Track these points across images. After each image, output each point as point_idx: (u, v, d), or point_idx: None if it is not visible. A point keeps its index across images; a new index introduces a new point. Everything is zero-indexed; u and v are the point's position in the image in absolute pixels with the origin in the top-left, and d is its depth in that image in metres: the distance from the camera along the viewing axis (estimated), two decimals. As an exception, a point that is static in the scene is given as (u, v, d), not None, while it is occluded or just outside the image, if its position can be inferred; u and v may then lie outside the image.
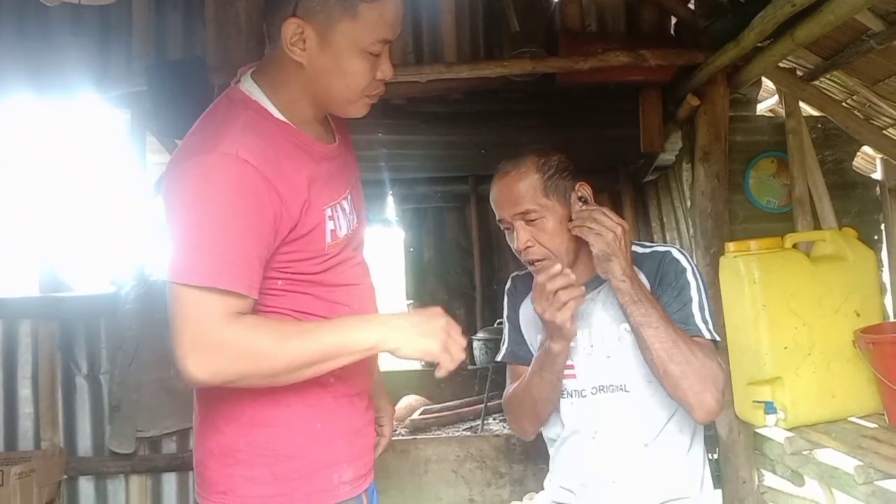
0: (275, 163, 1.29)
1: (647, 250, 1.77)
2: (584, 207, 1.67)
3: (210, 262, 1.23)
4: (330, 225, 1.37)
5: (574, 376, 1.76)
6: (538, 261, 1.69)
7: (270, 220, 1.28)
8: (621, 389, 1.71)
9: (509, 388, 1.89)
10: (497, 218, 1.76)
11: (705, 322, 1.66)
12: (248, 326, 1.26)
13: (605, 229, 1.61)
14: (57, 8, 2.50)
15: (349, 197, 1.46)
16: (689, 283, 1.68)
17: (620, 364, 1.71)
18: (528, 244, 1.68)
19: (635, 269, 1.67)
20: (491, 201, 1.76)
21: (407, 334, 1.35)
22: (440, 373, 1.39)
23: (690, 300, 1.67)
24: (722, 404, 1.62)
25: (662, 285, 1.70)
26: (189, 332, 1.23)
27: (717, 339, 1.67)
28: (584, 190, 1.71)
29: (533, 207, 1.67)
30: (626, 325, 1.68)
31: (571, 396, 1.77)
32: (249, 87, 1.38)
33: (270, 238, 1.29)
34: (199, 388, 1.45)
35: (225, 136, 1.29)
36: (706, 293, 1.70)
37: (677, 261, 1.71)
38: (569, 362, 1.76)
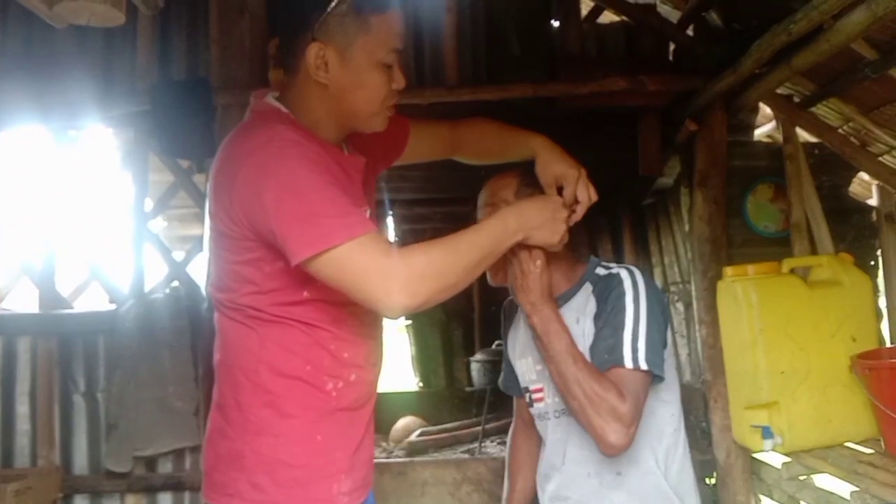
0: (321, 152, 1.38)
1: (606, 272, 1.73)
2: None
3: (337, 220, 1.29)
4: None
5: (542, 399, 1.77)
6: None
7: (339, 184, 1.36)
8: None
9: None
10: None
11: (634, 350, 1.58)
12: (417, 252, 1.34)
13: (516, 264, 1.62)
14: (63, 28, 2.52)
15: (369, 213, 1.51)
16: (624, 308, 1.62)
17: None
18: None
19: (589, 296, 1.68)
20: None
21: (540, 222, 1.51)
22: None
23: (622, 326, 1.60)
24: (632, 437, 1.55)
25: (602, 311, 1.65)
26: (372, 275, 1.29)
27: (644, 367, 1.58)
28: None
29: (506, 200, 1.70)
30: (581, 347, 1.64)
31: (543, 419, 1.78)
32: (276, 104, 1.45)
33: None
34: (215, 397, 1.51)
35: (274, 129, 1.37)
36: (649, 318, 1.61)
37: (621, 283, 1.66)
38: (539, 384, 1.77)
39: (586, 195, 1.66)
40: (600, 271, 1.74)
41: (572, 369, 1.56)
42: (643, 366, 1.56)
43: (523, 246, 1.58)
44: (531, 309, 1.61)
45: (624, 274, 1.67)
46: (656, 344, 1.61)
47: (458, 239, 1.39)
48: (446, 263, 1.34)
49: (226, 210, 1.37)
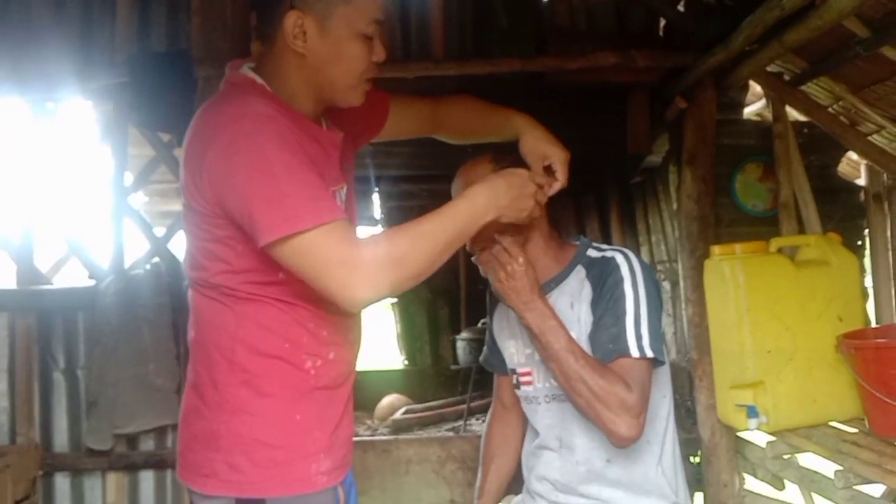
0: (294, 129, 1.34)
1: (599, 255, 1.71)
2: (498, 238, 1.61)
3: (306, 204, 1.26)
4: None
5: (531, 383, 1.75)
6: (482, 250, 1.66)
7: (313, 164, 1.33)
8: None
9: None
10: None
11: (638, 337, 1.57)
12: (381, 241, 1.32)
13: (498, 267, 1.58)
14: (39, -3, 2.48)
15: (345, 190, 1.48)
16: (623, 295, 1.60)
17: None
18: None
19: (583, 280, 1.65)
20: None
21: (511, 197, 1.46)
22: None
23: (624, 313, 1.59)
24: (642, 426, 1.54)
25: (600, 297, 1.63)
26: (334, 266, 1.26)
27: (650, 355, 1.58)
28: None
29: None
30: (574, 334, 1.63)
31: (531, 402, 1.76)
32: (251, 75, 1.41)
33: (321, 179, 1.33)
34: (189, 376, 1.47)
35: (248, 103, 1.34)
36: (649, 303, 1.61)
37: (617, 268, 1.64)
38: (527, 368, 1.74)
39: (565, 178, 1.64)
40: (592, 253, 1.71)
41: (574, 367, 1.53)
42: (648, 353, 1.57)
43: (502, 249, 1.54)
44: (524, 308, 1.58)
45: (620, 258, 1.64)
46: (657, 329, 1.61)
47: (426, 223, 1.35)
48: (412, 251, 1.30)
49: (196, 186, 1.34)
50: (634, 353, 1.56)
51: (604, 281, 1.63)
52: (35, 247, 3.29)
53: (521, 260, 1.57)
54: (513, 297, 1.58)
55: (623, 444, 1.55)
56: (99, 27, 3.15)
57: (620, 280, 1.62)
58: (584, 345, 1.62)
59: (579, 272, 1.68)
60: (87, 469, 3.11)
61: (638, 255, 1.70)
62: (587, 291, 1.65)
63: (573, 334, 1.62)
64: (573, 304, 1.66)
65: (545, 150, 1.64)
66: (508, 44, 3.09)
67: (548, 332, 1.56)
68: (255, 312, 1.40)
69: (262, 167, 1.26)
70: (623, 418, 1.51)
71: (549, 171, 1.64)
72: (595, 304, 1.62)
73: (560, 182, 1.63)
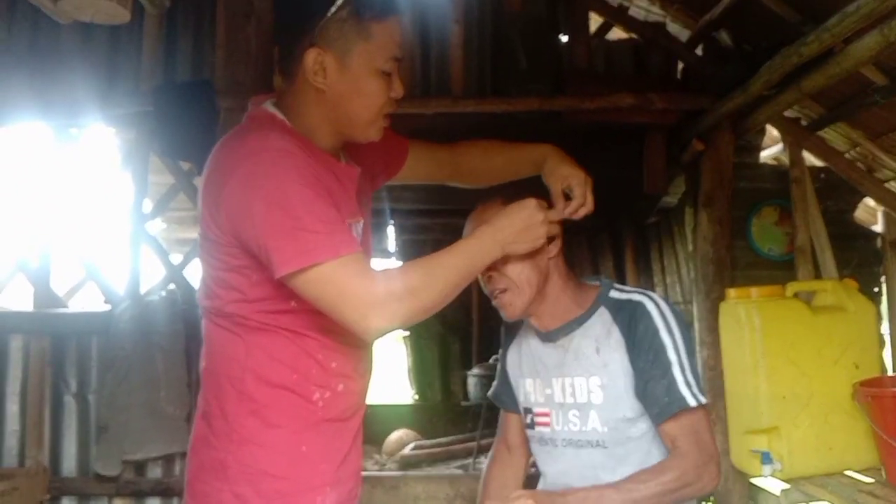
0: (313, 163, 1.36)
1: (624, 297, 1.66)
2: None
3: (323, 237, 1.28)
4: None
5: (548, 424, 1.72)
6: (501, 292, 1.64)
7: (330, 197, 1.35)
8: (594, 445, 1.63)
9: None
10: None
11: (688, 384, 1.55)
12: (396, 274, 1.35)
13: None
14: (68, 25, 2.52)
15: (362, 223, 1.48)
16: (664, 346, 1.56)
17: (593, 419, 1.62)
18: (490, 272, 1.60)
19: (609, 324, 1.61)
20: None
21: (516, 231, 1.48)
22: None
23: (670, 364, 1.55)
24: (720, 468, 1.56)
25: (637, 346, 1.58)
26: (350, 297, 1.28)
27: (703, 401, 1.55)
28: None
29: None
30: (598, 380, 1.60)
31: (546, 444, 1.73)
32: (272, 110, 1.43)
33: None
34: (200, 405, 1.48)
35: (268, 137, 1.35)
36: (685, 344, 1.58)
37: (649, 316, 1.59)
38: (545, 409, 1.72)
39: (591, 199, 1.64)
40: (616, 295, 1.67)
41: (643, 500, 1.47)
42: (703, 400, 1.56)
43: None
44: None
45: (650, 304, 1.60)
46: (697, 372, 1.60)
47: (437, 261, 1.38)
48: (424, 286, 1.33)
49: (213, 217, 1.35)
50: (692, 402, 1.54)
51: (635, 328, 1.59)
52: (52, 270, 3.32)
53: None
54: None
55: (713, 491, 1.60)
56: (125, 56, 3.23)
57: (656, 330, 1.58)
58: (616, 391, 1.59)
59: (603, 314, 1.65)
60: (95, 494, 3.11)
61: (665, 298, 1.69)
62: (617, 338, 1.61)
63: (595, 379, 1.60)
64: (599, 349, 1.62)
65: (565, 172, 1.65)
66: (527, 84, 3.12)
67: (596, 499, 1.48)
68: (265, 343, 1.40)
69: (280, 200, 1.27)
70: (705, 480, 1.52)
71: (567, 199, 1.64)
72: (633, 355, 1.59)
73: (580, 203, 1.62)
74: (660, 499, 1.49)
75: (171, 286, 3.29)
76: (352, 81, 1.39)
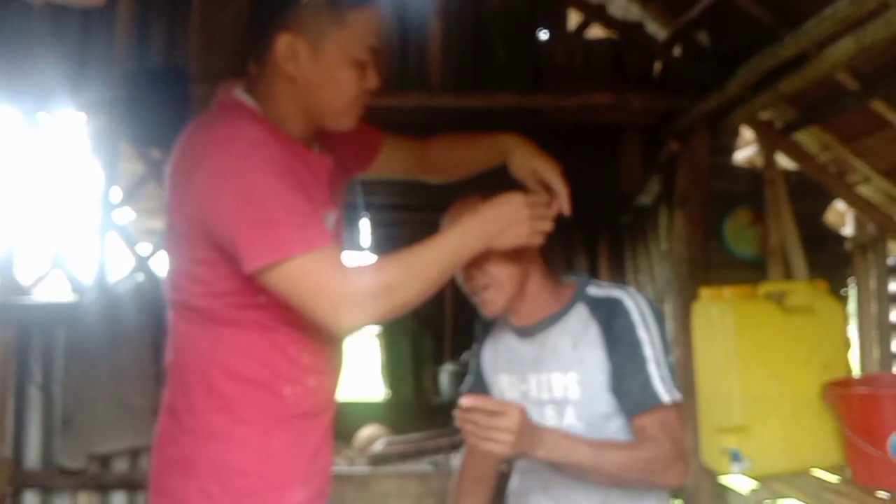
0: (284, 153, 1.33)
1: (602, 293, 1.65)
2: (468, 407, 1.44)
3: (295, 230, 1.25)
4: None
5: None
6: (483, 289, 1.62)
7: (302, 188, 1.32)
8: None
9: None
10: None
11: (663, 381, 1.55)
12: (372, 269, 1.30)
13: (503, 435, 1.38)
14: (39, 7, 2.46)
15: (335, 215, 1.45)
16: (641, 342, 1.56)
17: (570, 415, 1.62)
18: (471, 268, 1.57)
19: (587, 320, 1.61)
20: None
21: (500, 226, 1.43)
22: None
23: (645, 360, 1.55)
24: (689, 466, 1.57)
25: (614, 343, 1.58)
26: (323, 292, 1.25)
27: (678, 397, 1.55)
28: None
29: None
30: (575, 375, 1.59)
31: None
32: (243, 97, 1.39)
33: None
34: (165, 399, 1.45)
35: (239, 125, 1.32)
36: (662, 341, 1.59)
37: (627, 312, 1.58)
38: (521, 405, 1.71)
39: (561, 187, 1.59)
40: (593, 291, 1.66)
41: (609, 465, 1.48)
42: (677, 396, 1.56)
43: (499, 415, 1.38)
44: (532, 450, 1.44)
45: (627, 301, 1.59)
46: (672, 368, 1.60)
47: (416, 255, 1.33)
48: (400, 283, 1.29)
49: (180, 206, 1.31)
50: (665, 398, 1.54)
51: (613, 324, 1.58)
52: (17, 259, 3.24)
53: (517, 421, 1.40)
54: (535, 450, 1.49)
55: (680, 485, 1.59)
56: (97, 40, 3.14)
57: (634, 326, 1.57)
58: (593, 387, 1.58)
59: (580, 310, 1.65)
60: (59, 487, 3.04)
61: (643, 294, 1.68)
62: (594, 334, 1.60)
63: (573, 375, 1.59)
64: (576, 344, 1.61)
65: (534, 165, 1.60)
66: (506, 79, 3.11)
67: (569, 453, 1.49)
68: (233, 336, 1.36)
69: (250, 192, 1.24)
70: (674, 471, 1.52)
71: (548, 189, 1.61)
72: (610, 350, 1.58)
73: (563, 194, 1.58)
74: (625, 472, 1.49)
75: (140, 277, 3.23)
76: (324, 69, 1.35)
